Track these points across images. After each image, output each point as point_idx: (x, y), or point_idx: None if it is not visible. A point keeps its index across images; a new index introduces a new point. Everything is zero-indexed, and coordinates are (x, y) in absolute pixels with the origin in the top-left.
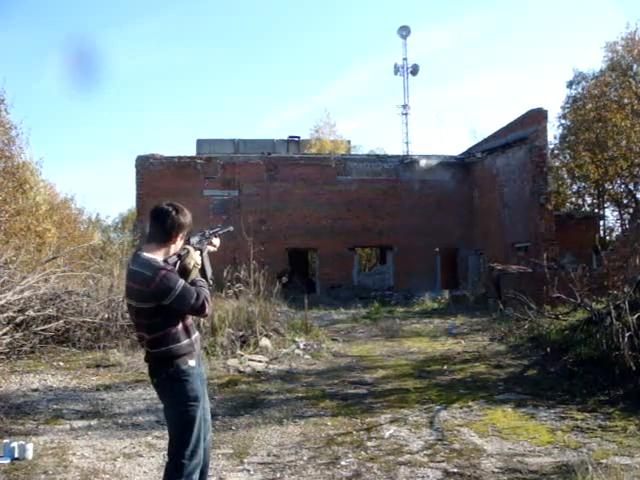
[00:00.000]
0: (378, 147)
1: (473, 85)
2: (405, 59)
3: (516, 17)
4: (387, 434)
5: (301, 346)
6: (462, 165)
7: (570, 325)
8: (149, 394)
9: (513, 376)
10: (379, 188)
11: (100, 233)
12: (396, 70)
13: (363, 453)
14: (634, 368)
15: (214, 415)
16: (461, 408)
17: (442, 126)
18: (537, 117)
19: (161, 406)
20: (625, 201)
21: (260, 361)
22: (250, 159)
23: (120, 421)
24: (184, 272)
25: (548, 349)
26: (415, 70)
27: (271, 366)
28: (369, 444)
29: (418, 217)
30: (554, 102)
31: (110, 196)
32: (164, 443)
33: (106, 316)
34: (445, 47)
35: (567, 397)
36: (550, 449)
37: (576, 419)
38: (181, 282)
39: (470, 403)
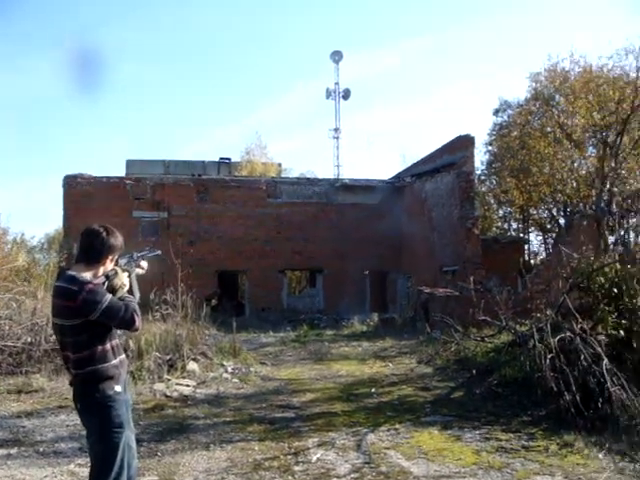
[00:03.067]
0: (309, 170)
1: (404, 110)
2: (337, 84)
3: (449, 43)
4: (314, 458)
5: (229, 370)
6: (392, 189)
7: (495, 347)
8: (72, 420)
9: (440, 398)
10: (309, 211)
11: (25, 254)
12: (328, 94)
13: (290, 478)
14: (555, 389)
15: (139, 441)
16: (388, 431)
17: (373, 150)
18: (465, 143)
19: (84, 433)
20: (548, 226)
21: (187, 385)
22: (180, 180)
23: (41, 449)
24: (112, 293)
25: (474, 371)
26: (347, 94)
27: (199, 390)
28: (296, 468)
29: (348, 240)
30: (481, 129)
31: (36, 216)
32: (87, 471)
33: (29, 340)
34: (377, 72)
35: (492, 418)
36: (475, 470)
37: (500, 440)
38: (108, 296)
39: (397, 426)
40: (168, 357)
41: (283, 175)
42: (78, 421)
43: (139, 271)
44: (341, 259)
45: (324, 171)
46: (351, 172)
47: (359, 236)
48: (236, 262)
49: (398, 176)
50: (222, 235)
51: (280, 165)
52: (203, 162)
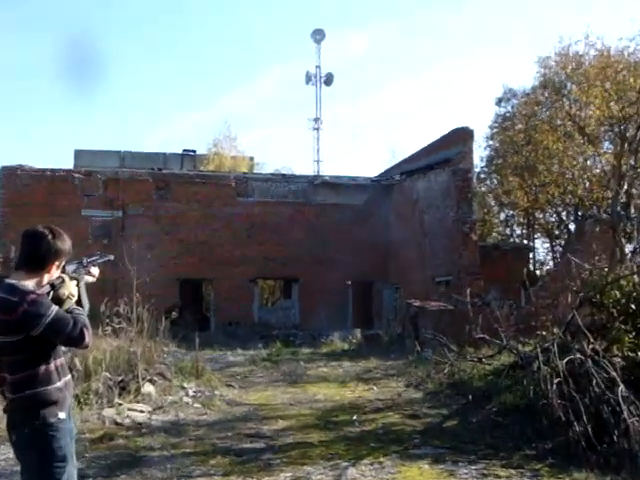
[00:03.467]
0: (284, 166)
1: (393, 99)
2: (318, 67)
3: (445, 23)
4: None
5: (190, 393)
6: (379, 188)
7: (494, 370)
8: (3, 454)
9: (430, 427)
10: (285, 212)
11: None
12: (308, 79)
13: None
14: (563, 419)
15: (84, 477)
16: (371, 464)
17: (358, 144)
18: (462, 137)
19: (18, 468)
20: (556, 232)
21: (142, 411)
22: (137, 175)
23: None
24: (58, 304)
25: (470, 397)
26: (329, 79)
27: (155, 417)
28: None
29: (328, 245)
30: (481, 121)
31: None
32: None
33: None
34: (362, 55)
35: (490, 451)
36: None
37: (500, 477)
38: (54, 308)
39: (382, 459)
40: (120, 378)
41: (255, 171)
42: (10, 455)
43: (89, 279)
44: (320, 267)
45: (302, 167)
46: (333, 168)
47: (341, 241)
48: (200, 269)
49: (386, 173)
50: (185, 238)
51: (252, 159)
52: (164, 154)
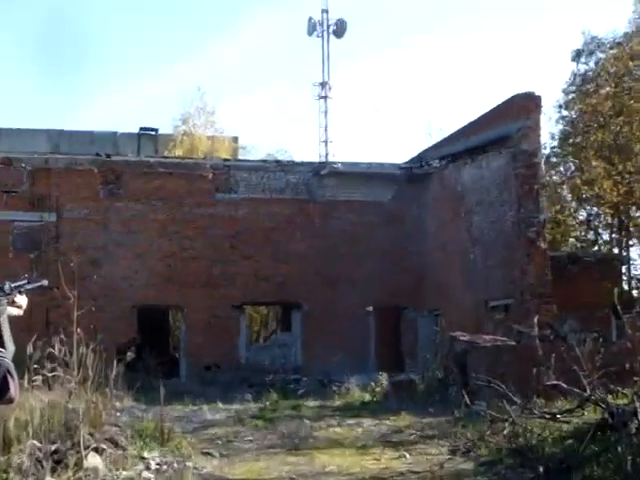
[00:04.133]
0: (280, 149)
1: (429, 58)
2: (325, 11)
3: None
4: None
5: (153, 465)
6: (410, 179)
7: (575, 431)
8: None
9: None
10: (281, 213)
11: None
12: (312, 28)
13: None
14: None
15: None
16: None
17: (380, 119)
18: (525, 107)
19: None
20: None
21: None
22: (77, 163)
23: None
24: None
25: (541, 468)
26: (340, 29)
27: None
28: None
29: (341, 259)
30: (552, 84)
31: None
32: None
33: None
34: None
35: None
36: None
37: None
38: None
39: None
40: (54, 447)
41: (241, 156)
42: None
43: (14, 311)
44: (330, 288)
45: (304, 151)
46: (347, 153)
47: (358, 252)
48: (166, 293)
49: (420, 159)
50: (144, 251)
51: (236, 141)
52: (114, 134)
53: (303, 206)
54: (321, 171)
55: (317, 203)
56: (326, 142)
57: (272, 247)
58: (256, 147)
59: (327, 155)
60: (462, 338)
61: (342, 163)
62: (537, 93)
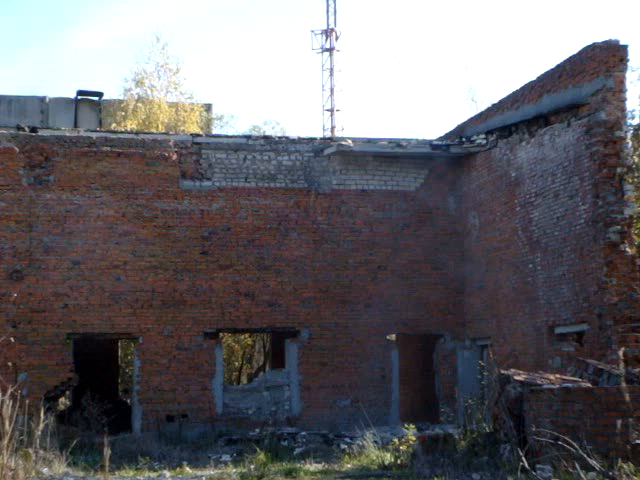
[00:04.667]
0: (269, 121)
1: None
2: None
3: None
4: None
5: None
6: (445, 161)
7: None
8: None
9: None
10: (271, 208)
11: None
12: None
13: None
14: None
15: None
16: None
17: (404, 80)
18: (605, 61)
19: None
20: None
21: None
22: None
23: None
24: None
25: None
26: None
27: None
28: None
29: (352, 269)
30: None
31: None
32: None
33: None
34: None
35: None
36: None
37: None
38: None
39: None
40: None
41: (216, 131)
42: None
43: None
44: (338, 308)
45: (302, 123)
46: (359, 126)
47: (375, 260)
48: (113, 317)
49: (459, 134)
50: (84, 260)
51: (209, 109)
52: (41, 100)
53: (301, 198)
54: (325, 150)
55: (320, 194)
56: (332, 111)
57: (258, 253)
58: (237, 118)
59: (333, 129)
60: (518, 378)
61: (354, 139)
62: (621, 42)
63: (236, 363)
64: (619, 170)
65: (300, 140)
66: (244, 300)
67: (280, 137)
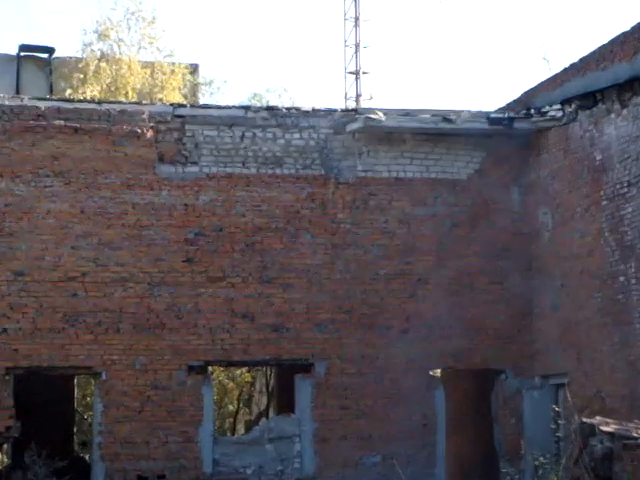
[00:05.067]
0: (272, 86)
1: None
2: None
3: None
4: None
5: None
6: (507, 140)
7: None
8: None
9: None
10: (277, 201)
11: None
12: None
13: None
14: None
15: None
16: None
17: (452, 30)
18: None
19: None
20: None
21: None
22: None
23: None
24: None
25: None
26: None
27: None
28: None
29: (382, 284)
30: None
31: None
32: None
33: None
34: None
35: None
36: None
37: None
38: None
39: None
40: None
41: (204, 101)
42: None
43: None
44: (364, 334)
45: (317, 91)
46: (392, 95)
47: (414, 271)
48: (68, 346)
49: (526, 103)
50: (28, 270)
51: (195, 72)
52: None
53: (316, 189)
54: (348, 125)
55: (341, 184)
56: (357, 74)
57: (260, 261)
58: (232, 83)
59: (358, 98)
60: (606, 429)
61: (385, 111)
62: None
63: (230, 407)
64: None
65: (315, 112)
66: (241, 323)
67: (289, 108)
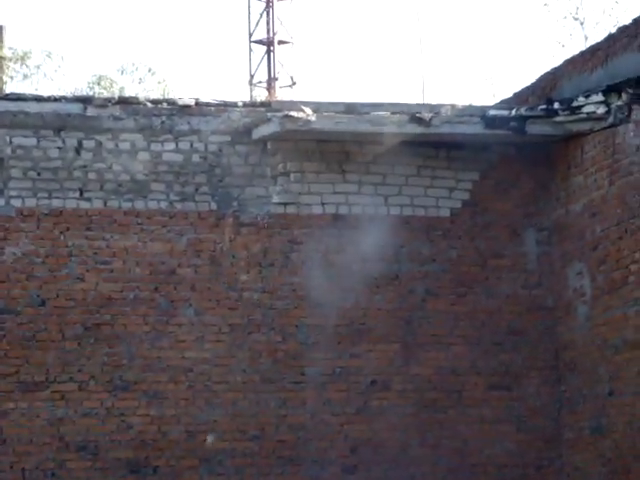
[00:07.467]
0: (125, 67)
1: None
2: None
3: None
4: None
5: None
6: (513, 150)
7: None
8: None
9: None
10: (142, 253)
11: None
12: None
13: None
14: None
15: None
16: None
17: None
18: None
19: None
20: None
21: None
22: None
23: None
24: None
25: None
26: None
27: None
28: None
29: (310, 389)
30: None
31: None
32: None
33: None
34: None
35: None
36: None
37: None
38: None
39: None
40: None
41: (13, 87)
42: None
43: None
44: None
45: (211, 77)
46: (329, 79)
47: (363, 369)
48: None
49: (546, 92)
50: None
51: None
52: None
53: (203, 234)
54: (256, 130)
55: (245, 225)
56: (268, 46)
57: (110, 355)
58: (59, 60)
59: (272, 83)
60: None
61: (317, 106)
62: None
63: None
64: None
65: (201, 108)
66: (75, 461)
67: (157, 101)
